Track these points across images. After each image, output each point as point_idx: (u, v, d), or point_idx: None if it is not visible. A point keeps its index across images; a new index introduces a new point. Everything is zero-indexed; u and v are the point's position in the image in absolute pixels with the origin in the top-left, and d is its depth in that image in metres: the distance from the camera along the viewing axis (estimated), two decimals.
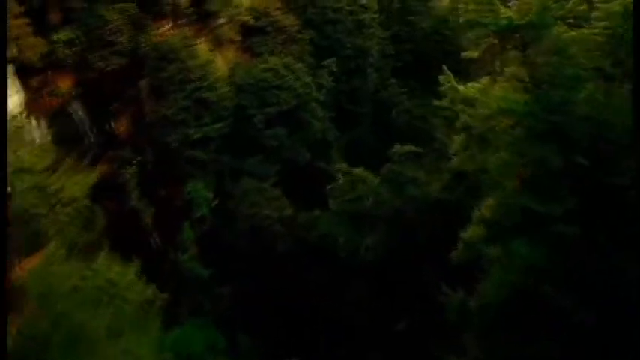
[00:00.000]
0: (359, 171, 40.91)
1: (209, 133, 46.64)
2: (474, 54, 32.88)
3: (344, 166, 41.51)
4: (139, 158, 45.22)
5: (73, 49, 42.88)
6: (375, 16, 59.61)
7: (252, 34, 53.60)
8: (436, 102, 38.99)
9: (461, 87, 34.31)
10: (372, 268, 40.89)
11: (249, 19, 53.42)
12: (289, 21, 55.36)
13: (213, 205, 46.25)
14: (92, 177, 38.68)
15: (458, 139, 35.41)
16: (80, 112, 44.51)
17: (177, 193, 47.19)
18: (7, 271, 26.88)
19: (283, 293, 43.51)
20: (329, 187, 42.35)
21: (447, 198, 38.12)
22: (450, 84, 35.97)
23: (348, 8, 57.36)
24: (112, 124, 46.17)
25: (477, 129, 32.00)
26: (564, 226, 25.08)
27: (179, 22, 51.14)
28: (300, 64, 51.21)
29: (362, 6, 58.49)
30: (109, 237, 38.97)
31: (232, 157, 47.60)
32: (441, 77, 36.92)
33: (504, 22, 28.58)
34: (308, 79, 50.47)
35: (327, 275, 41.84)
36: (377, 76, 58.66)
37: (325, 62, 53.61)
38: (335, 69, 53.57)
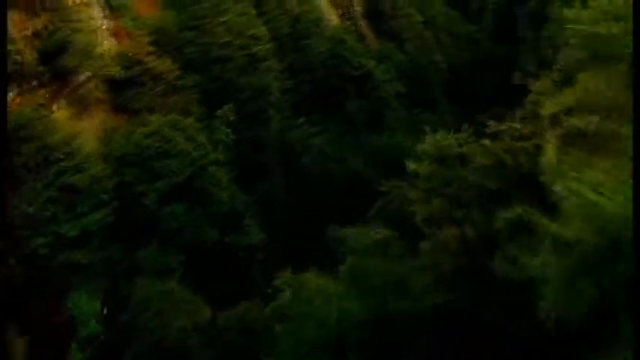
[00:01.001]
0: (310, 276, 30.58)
1: (88, 226, 36.21)
2: None
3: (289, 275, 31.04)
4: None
5: None
6: (269, 46, 51.07)
7: (124, 89, 43.57)
8: None
9: None
10: None
11: (117, 70, 43.20)
12: (166, 66, 45.87)
13: (103, 317, 35.86)
14: None
15: None
16: None
17: (57, 310, 36.44)
18: None
19: None
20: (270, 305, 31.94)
21: None
22: None
23: (236, 42, 48.46)
24: None
25: None
26: None
27: (28, 85, 40.20)
28: (188, 120, 41.66)
29: (252, 37, 49.74)
30: None
31: (123, 251, 37.40)
32: None
33: None
34: (201, 137, 40.99)
35: None
36: (279, 116, 50.03)
37: (219, 111, 44.29)
38: (231, 117, 44.33)
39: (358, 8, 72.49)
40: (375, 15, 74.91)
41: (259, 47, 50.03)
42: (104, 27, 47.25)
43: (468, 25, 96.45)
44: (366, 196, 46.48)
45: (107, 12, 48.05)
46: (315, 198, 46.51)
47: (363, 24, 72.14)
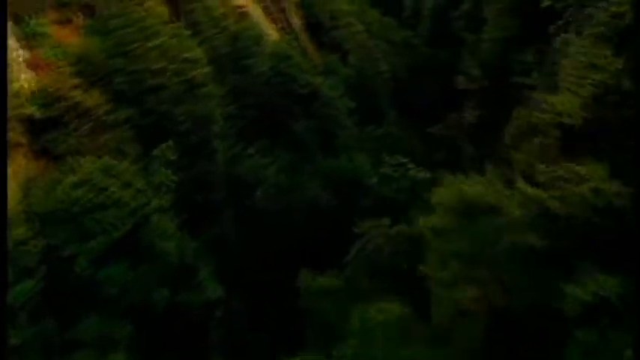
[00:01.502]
0: None
1: (15, 299, 30.42)
2: None
3: None
4: None
5: None
6: (207, 70, 46.02)
7: (46, 130, 37.75)
8: None
9: None
10: None
11: (35, 110, 37.38)
12: (94, 100, 40.28)
13: None
14: None
15: None
16: None
17: None
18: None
19: None
20: None
21: None
22: None
23: (170, 68, 43.21)
24: None
25: None
26: None
27: None
28: (123, 163, 36.24)
29: (187, 61, 44.58)
30: None
31: (58, 324, 31.77)
32: None
33: None
34: (140, 182, 35.65)
35: None
36: (224, 147, 45.00)
37: (157, 150, 38.97)
38: (172, 156, 39.08)
39: (297, 21, 68.07)
40: (314, 27, 70.71)
41: (196, 72, 44.92)
42: (20, 58, 41.37)
43: (404, 31, 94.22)
44: (331, 228, 42.33)
45: (23, 41, 42.16)
46: (274, 237, 41.82)
47: (303, 37, 67.75)
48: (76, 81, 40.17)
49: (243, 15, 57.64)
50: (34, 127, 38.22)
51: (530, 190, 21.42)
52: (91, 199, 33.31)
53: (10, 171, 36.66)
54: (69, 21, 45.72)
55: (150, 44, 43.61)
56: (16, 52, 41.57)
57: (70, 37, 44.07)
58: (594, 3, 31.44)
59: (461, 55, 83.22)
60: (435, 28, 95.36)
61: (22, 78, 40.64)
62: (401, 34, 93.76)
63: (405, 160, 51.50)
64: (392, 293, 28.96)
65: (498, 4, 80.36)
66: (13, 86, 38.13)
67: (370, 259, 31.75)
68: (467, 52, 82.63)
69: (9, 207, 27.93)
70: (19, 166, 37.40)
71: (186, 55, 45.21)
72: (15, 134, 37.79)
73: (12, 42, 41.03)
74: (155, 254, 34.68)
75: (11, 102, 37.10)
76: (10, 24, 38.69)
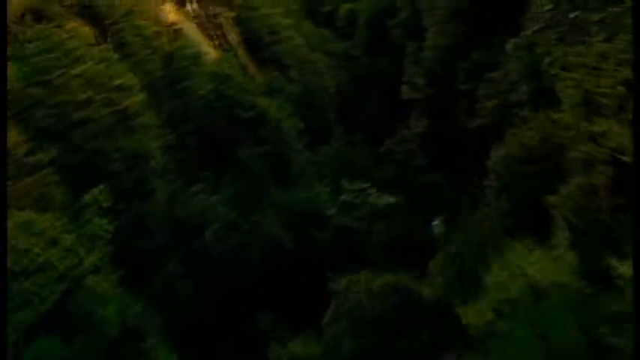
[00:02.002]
0: None
1: None
2: None
3: None
4: None
5: None
6: (140, 97, 40.70)
7: None
8: None
9: None
10: None
11: None
12: (11, 138, 34.17)
13: None
14: None
15: None
16: None
17: None
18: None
19: None
20: None
21: None
22: None
23: (99, 96, 37.76)
24: None
25: None
26: None
27: None
28: (48, 216, 30.61)
29: (118, 88, 39.18)
30: None
31: None
32: None
33: None
34: (70, 238, 30.13)
35: None
36: (165, 185, 39.68)
37: (87, 196, 33.39)
38: (106, 201, 33.57)
39: (234, 37, 63.05)
40: (253, 43, 65.78)
41: (128, 100, 39.55)
42: None
43: (342, 42, 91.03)
44: (293, 270, 37.72)
45: None
46: (229, 284, 36.74)
47: (242, 54, 62.77)
48: None
49: (177, 33, 52.34)
50: None
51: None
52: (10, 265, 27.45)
53: None
54: None
55: (74, 71, 38.08)
56: None
57: None
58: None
59: (403, 64, 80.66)
60: (372, 37, 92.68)
61: None
62: (339, 46, 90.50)
63: (365, 185, 47.32)
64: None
65: (440, 11, 78.06)
66: None
67: (352, 317, 27.20)
68: (409, 61, 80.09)
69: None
70: None
71: (116, 81, 39.79)
72: None
73: None
74: (92, 324, 29.09)
75: None
76: None
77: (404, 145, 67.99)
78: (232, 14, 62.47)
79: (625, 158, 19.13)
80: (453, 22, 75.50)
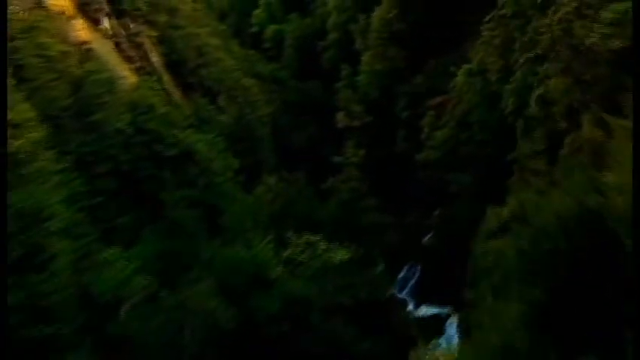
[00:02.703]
0: None
1: None
2: None
3: None
4: None
5: None
6: (39, 134, 32.26)
7: None
8: None
9: None
10: None
11: None
12: None
13: None
14: None
15: None
16: None
17: None
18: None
19: None
20: None
21: None
22: None
23: None
24: None
25: None
26: None
27: None
28: None
29: (8, 124, 30.33)
30: None
31: None
32: None
33: None
34: None
35: None
36: (70, 248, 31.03)
37: None
38: None
39: (157, 59, 54.82)
40: (177, 65, 57.80)
41: (22, 139, 30.87)
42: None
43: (269, 64, 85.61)
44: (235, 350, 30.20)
45: None
46: None
47: (165, 79, 54.61)
48: None
49: (89, 54, 43.74)
50: None
51: None
52: None
53: None
54: None
55: None
56: None
57: None
58: None
59: (335, 89, 75.59)
60: (301, 59, 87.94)
61: None
62: (267, 68, 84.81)
63: (315, 238, 40.23)
64: None
65: (377, 34, 72.72)
66: None
67: None
68: (343, 86, 75.08)
69: None
70: None
71: (9, 116, 30.94)
72: None
73: None
74: None
75: None
76: None
77: (347, 183, 62.09)
78: (155, 33, 54.26)
79: None
80: (390, 45, 70.59)
